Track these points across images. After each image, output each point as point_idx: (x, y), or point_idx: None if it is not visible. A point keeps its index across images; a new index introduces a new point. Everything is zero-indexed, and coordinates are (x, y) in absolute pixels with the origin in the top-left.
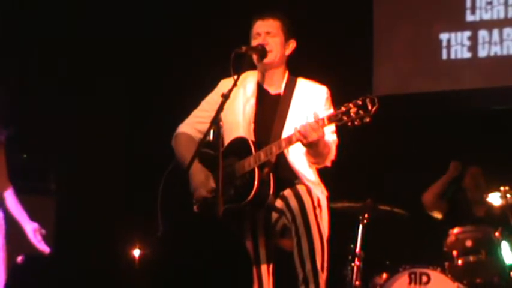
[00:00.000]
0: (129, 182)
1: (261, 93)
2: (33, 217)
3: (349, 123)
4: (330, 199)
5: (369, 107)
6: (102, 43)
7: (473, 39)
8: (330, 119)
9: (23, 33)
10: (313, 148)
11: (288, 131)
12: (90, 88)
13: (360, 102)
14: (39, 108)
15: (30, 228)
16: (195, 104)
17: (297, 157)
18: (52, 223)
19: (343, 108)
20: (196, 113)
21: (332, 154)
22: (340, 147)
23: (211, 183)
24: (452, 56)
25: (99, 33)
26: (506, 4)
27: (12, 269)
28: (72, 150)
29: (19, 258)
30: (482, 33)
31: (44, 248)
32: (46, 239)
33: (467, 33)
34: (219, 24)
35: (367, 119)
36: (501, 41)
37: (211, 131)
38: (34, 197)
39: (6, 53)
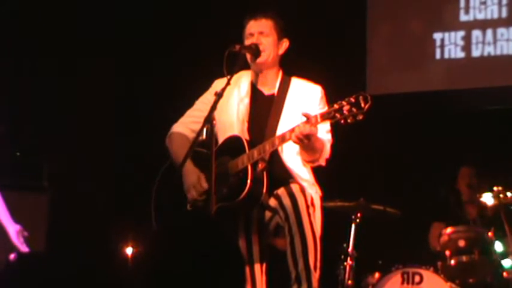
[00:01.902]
0: (122, 179)
1: (255, 93)
2: (26, 214)
3: (342, 121)
4: (323, 198)
5: (362, 104)
6: (101, 43)
7: (467, 39)
8: (323, 116)
9: (21, 32)
10: (307, 144)
11: (282, 130)
12: (87, 87)
13: (353, 100)
14: (32, 106)
15: (13, 230)
16: (191, 104)
17: (291, 156)
18: (45, 220)
19: (336, 106)
20: (190, 112)
21: (326, 153)
22: (333, 146)
23: (203, 184)
24: (446, 56)
25: (98, 33)
26: (499, 4)
27: (4, 267)
28: (65, 148)
29: (11, 256)
30: (476, 33)
31: (25, 250)
32: (39, 236)
33: (461, 33)
34: (219, 24)
35: (360, 117)
36: (494, 41)
37: (205, 129)
38: (27, 194)
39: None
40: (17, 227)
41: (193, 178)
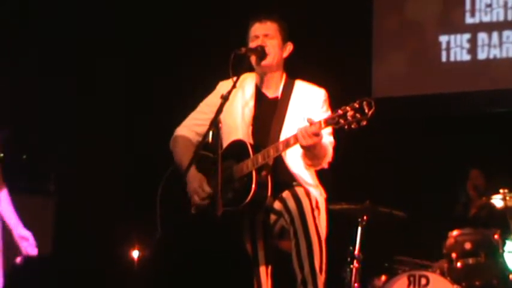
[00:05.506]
0: (129, 183)
1: (259, 96)
2: (32, 217)
3: (346, 126)
4: (329, 201)
5: (366, 110)
6: (102, 43)
7: (473, 41)
8: (327, 122)
9: (22, 32)
10: (310, 150)
11: (286, 133)
12: (90, 89)
13: (357, 105)
14: (39, 108)
15: (18, 235)
16: (195, 105)
17: (295, 159)
18: (51, 223)
19: (340, 111)
20: (194, 115)
21: (329, 156)
22: (339, 148)
23: (205, 189)
24: (452, 59)
25: (99, 33)
26: (505, 6)
27: (11, 270)
28: (71, 151)
29: (18, 259)
30: (482, 36)
31: (32, 252)
32: (45, 239)
33: (467, 36)
34: (219, 24)
35: (364, 122)
36: (500, 43)
37: (210, 132)
38: (34, 197)
39: (4, 53)
40: (24, 233)
41: (195, 184)
